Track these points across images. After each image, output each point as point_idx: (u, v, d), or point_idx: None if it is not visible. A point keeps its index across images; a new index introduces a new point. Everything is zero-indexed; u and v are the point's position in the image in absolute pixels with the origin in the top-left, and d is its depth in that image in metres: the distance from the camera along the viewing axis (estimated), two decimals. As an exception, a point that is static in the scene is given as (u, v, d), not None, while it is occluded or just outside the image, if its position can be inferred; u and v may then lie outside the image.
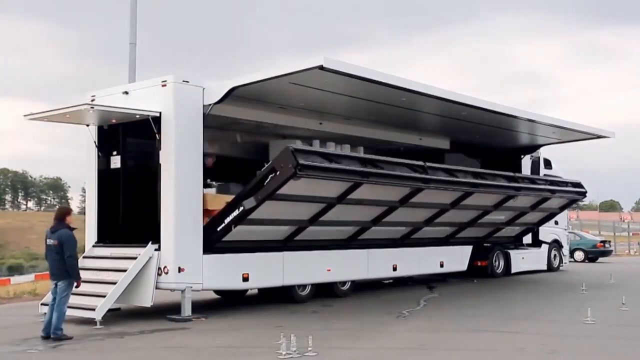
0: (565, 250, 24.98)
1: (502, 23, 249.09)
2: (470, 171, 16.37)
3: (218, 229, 12.48)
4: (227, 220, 12.36)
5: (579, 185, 20.47)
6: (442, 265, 17.90)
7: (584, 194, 20.93)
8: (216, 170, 14.20)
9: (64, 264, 10.48)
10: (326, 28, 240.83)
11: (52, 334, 10.37)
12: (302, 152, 12.21)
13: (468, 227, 18.03)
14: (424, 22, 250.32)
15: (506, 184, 17.29)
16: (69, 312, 12.10)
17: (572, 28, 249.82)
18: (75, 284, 10.64)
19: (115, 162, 13.53)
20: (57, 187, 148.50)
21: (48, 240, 10.62)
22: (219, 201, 13.24)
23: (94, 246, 13.49)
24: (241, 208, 12.18)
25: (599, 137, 19.78)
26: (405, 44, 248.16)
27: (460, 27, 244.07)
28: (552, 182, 19.67)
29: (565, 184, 20.21)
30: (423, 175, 14.48)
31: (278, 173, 11.83)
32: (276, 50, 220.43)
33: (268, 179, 12.01)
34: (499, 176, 17.22)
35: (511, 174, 17.82)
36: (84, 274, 12.75)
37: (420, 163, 14.73)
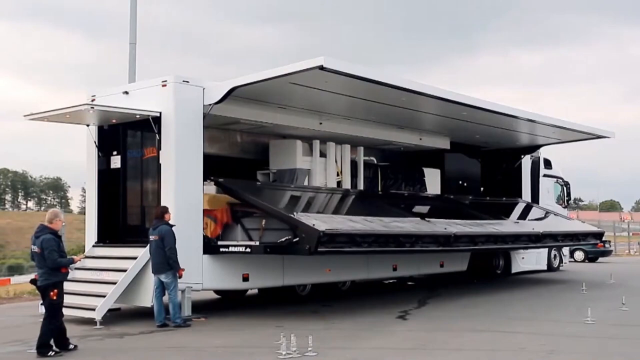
0: (565, 250, 24.97)
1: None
2: (493, 235, 16.38)
3: (220, 249, 12.56)
4: (230, 248, 12.46)
5: (600, 235, 21.23)
6: (442, 266, 17.89)
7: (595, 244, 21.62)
8: (216, 170, 14.19)
9: (165, 256, 11.40)
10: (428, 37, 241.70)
11: (172, 322, 11.48)
12: (328, 235, 11.59)
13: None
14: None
15: (526, 245, 17.80)
16: (69, 312, 12.12)
17: None
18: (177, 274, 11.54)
19: (115, 162, 13.54)
20: (57, 187, 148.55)
21: (150, 236, 11.59)
22: (219, 201, 13.24)
23: (94, 246, 13.47)
24: (247, 249, 12.25)
25: (598, 137, 19.81)
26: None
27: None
28: (573, 236, 19.85)
29: (586, 236, 20.48)
30: (445, 248, 14.55)
31: (296, 240, 11.69)
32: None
33: (285, 238, 11.94)
34: (523, 236, 17.40)
35: (538, 232, 17.59)
36: (84, 274, 12.84)
37: (449, 233, 14.48)
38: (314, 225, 11.59)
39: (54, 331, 9.37)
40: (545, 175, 22.37)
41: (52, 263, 9.23)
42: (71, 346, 9.56)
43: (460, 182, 19.81)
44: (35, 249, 9.35)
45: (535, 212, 20.23)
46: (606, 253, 32.67)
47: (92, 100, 13.30)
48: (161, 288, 11.63)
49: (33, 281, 9.60)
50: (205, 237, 12.61)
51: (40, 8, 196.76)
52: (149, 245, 11.77)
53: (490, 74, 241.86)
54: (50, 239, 9.29)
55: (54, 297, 9.31)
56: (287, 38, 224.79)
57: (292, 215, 12.06)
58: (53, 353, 9.28)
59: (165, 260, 11.44)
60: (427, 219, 15.18)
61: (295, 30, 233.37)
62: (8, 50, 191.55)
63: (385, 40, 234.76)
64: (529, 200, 20.96)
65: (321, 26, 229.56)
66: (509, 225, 17.94)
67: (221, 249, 12.52)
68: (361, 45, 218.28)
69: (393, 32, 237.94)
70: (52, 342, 9.38)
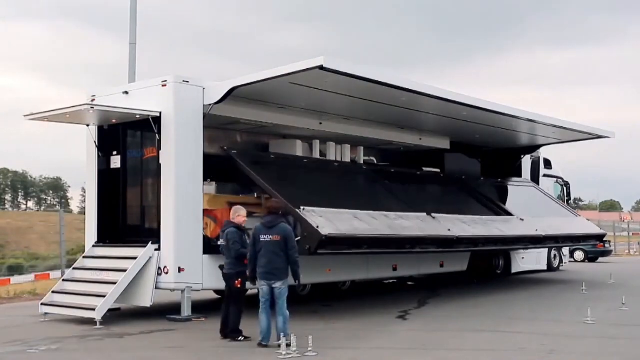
0: (565, 250, 24.98)
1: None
2: (495, 238, 16.36)
3: (221, 249, 12.49)
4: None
5: (601, 236, 21.60)
6: (442, 266, 17.88)
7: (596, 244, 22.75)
8: (216, 170, 14.18)
9: (287, 261, 9.74)
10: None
11: (284, 335, 9.30)
12: (331, 239, 11.50)
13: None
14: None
15: (526, 246, 18.08)
16: (69, 312, 12.14)
17: None
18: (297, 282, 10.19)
19: (115, 162, 13.54)
20: (57, 187, 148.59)
21: (267, 236, 9.68)
22: (219, 201, 13.24)
23: (94, 246, 13.47)
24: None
25: (598, 137, 19.81)
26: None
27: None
28: (574, 239, 19.96)
29: (587, 237, 20.68)
30: (445, 249, 14.56)
31: (298, 239, 11.65)
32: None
33: None
34: (526, 238, 17.43)
35: (541, 234, 17.48)
36: (84, 274, 12.84)
37: (452, 236, 14.45)
38: (317, 227, 11.56)
39: (240, 316, 10.22)
40: (545, 175, 22.37)
41: (235, 253, 10.18)
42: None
43: (460, 182, 19.82)
44: (222, 241, 10.43)
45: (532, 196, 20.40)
46: (606, 253, 32.68)
47: (92, 100, 13.31)
48: (272, 299, 9.85)
49: (221, 267, 10.63)
50: (205, 237, 12.61)
51: (68, 6, 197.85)
52: (261, 247, 9.77)
53: (517, 73, 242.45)
54: (233, 232, 10.26)
55: (239, 285, 10.21)
56: (325, 39, 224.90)
57: (298, 211, 12.01)
58: (243, 338, 10.08)
59: (287, 265, 9.79)
60: (432, 214, 15.13)
61: (329, 30, 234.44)
62: (38, 49, 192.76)
63: (414, 40, 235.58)
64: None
65: (351, 27, 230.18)
66: (513, 225, 17.88)
67: (221, 249, 12.50)
68: (398, 44, 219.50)
69: (423, 32, 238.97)
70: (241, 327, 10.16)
